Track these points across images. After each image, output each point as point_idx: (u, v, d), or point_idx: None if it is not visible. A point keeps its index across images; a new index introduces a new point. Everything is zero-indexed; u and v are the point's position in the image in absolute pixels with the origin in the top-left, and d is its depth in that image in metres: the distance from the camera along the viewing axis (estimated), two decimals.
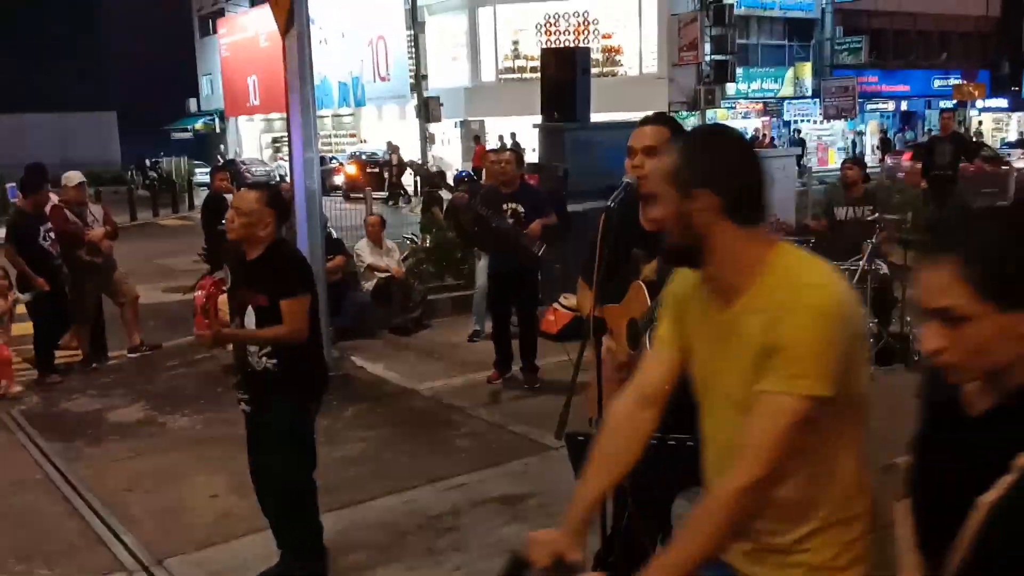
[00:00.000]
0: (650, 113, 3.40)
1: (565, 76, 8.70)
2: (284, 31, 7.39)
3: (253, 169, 29.63)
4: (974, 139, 24.04)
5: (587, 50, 9.02)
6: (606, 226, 3.15)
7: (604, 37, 30.54)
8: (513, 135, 27.66)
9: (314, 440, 4.18)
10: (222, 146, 38.36)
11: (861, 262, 7.37)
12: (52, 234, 7.98)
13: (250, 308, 3.95)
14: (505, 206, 6.89)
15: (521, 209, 6.87)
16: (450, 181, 14.87)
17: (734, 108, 33.97)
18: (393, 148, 27.27)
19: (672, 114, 3.40)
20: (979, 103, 36.36)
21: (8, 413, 6.97)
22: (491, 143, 27.66)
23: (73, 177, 8.30)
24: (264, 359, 3.93)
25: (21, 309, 8.16)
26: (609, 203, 3.17)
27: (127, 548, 4.60)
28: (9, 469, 5.84)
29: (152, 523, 4.91)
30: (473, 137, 30.50)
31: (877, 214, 7.53)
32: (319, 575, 4.18)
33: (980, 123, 39.14)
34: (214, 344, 3.92)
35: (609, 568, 3.76)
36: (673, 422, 3.00)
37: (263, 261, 3.93)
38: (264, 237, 3.92)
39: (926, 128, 36.91)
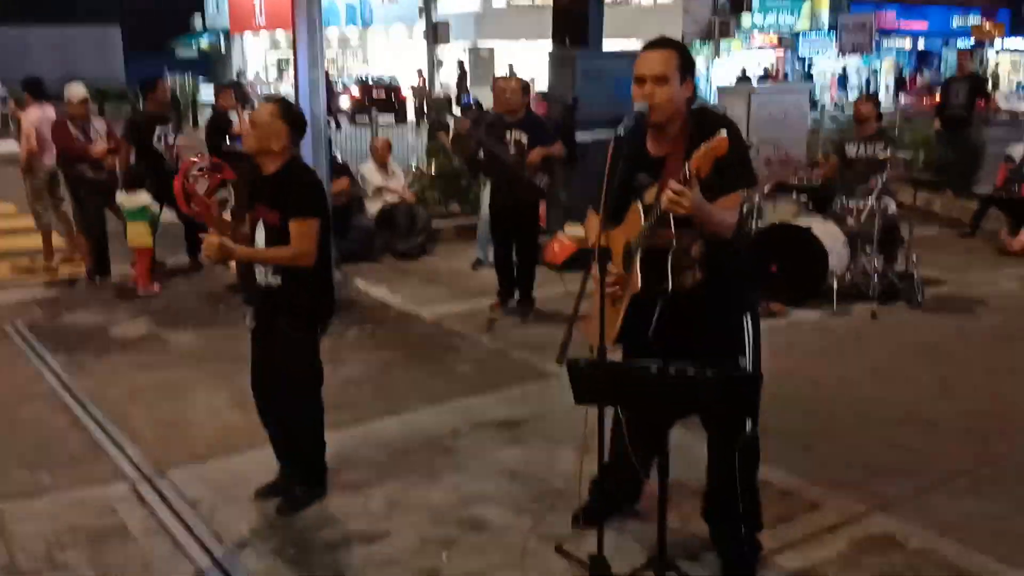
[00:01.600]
0: (656, 37, 3.32)
1: (577, 2, 8.53)
2: None
3: (258, 89, 29.23)
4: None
5: None
6: (615, 154, 3.12)
7: None
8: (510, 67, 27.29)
9: (319, 360, 4.19)
10: (238, 66, 37.84)
11: (870, 199, 7.32)
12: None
13: (260, 225, 3.94)
14: (508, 135, 6.80)
15: (524, 138, 6.77)
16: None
17: (749, 40, 33.39)
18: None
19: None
20: (997, 43, 35.69)
21: (13, 325, 7.00)
22: (500, 71, 27.22)
23: (77, 92, 8.20)
24: (270, 276, 3.93)
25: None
26: (617, 131, 3.14)
27: (129, 459, 4.66)
28: (14, 380, 5.89)
29: (154, 435, 4.97)
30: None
31: (888, 151, 7.44)
32: (319, 496, 4.23)
33: (997, 64, 38.43)
34: (219, 257, 3.88)
35: (604, 495, 3.82)
36: (673, 350, 3.02)
37: (277, 178, 3.91)
38: (279, 152, 3.90)
39: (942, 68, 36.30)
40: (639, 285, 3.16)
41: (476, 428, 5.02)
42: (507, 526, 3.97)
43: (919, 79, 35.93)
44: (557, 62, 8.79)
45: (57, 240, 9.00)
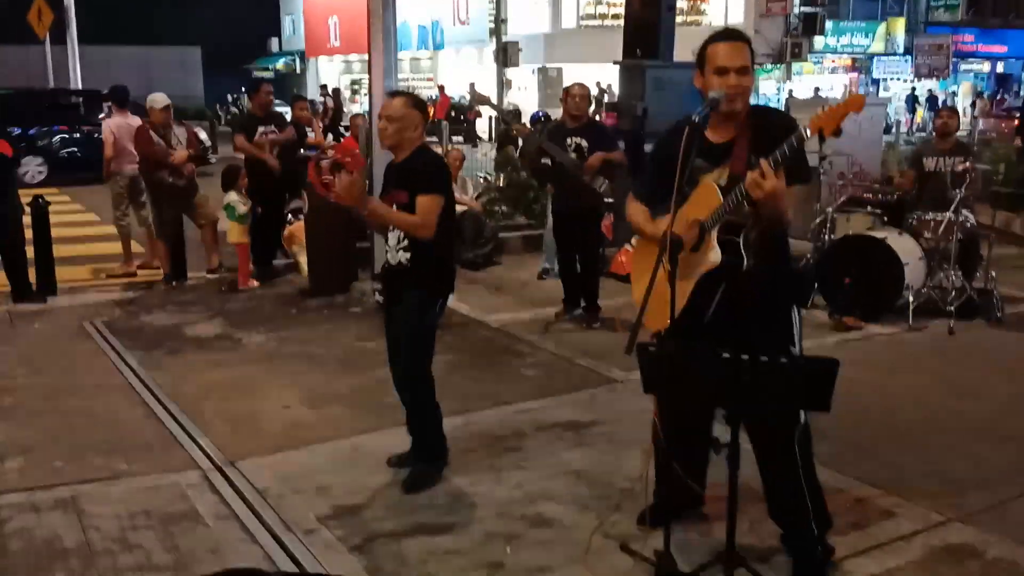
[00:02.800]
0: (727, 28, 3.39)
1: (649, 14, 8.54)
2: None
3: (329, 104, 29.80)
4: None
5: None
6: (689, 141, 3.11)
7: None
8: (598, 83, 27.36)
9: (433, 337, 4.35)
10: (323, 82, 38.72)
11: (948, 214, 7.14)
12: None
13: (393, 208, 4.14)
14: (569, 140, 6.80)
15: (584, 143, 6.77)
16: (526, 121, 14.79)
17: (821, 63, 32.97)
18: (473, 91, 27.05)
19: (756, 67, 3.39)
20: None
21: (92, 323, 7.22)
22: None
23: (159, 99, 8.46)
24: (400, 252, 4.16)
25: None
26: (694, 117, 3.15)
27: (201, 449, 4.76)
28: (91, 374, 6.07)
29: (226, 428, 5.07)
30: (438, 86, 30.36)
31: (968, 163, 7.26)
32: (440, 470, 4.42)
33: None
34: (356, 200, 4.03)
35: (666, 498, 3.75)
36: (726, 337, 3.01)
37: (409, 163, 4.18)
38: (415, 138, 4.18)
39: (1023, 92, 35.35)
40: (719, 258, 3.17)
41: (541, 429, 5.01)
42: (572, 523, 3.95)
43: (997, 103, 35.03)
44: (627, 73, 8.80)
45: (136, 246, 9.27)
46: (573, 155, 6.74)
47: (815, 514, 3.39)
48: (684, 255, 3.20)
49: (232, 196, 8.25)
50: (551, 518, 4.01)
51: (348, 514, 4.07)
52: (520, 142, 9.77)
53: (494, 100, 24.37)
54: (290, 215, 9.22)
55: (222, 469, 4.52)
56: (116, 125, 9.02)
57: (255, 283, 8.39)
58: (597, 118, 7.21)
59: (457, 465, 4.53)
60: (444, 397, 5.46)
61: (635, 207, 3.56)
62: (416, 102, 4.25)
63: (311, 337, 6.85)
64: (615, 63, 9.04)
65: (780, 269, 3.36)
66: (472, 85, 28.79)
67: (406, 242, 4.15)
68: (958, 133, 8.36)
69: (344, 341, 6.70)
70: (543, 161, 6.92)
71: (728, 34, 3.29)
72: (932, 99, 33.05)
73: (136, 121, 8.81)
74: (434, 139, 15.90)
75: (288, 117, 9.74)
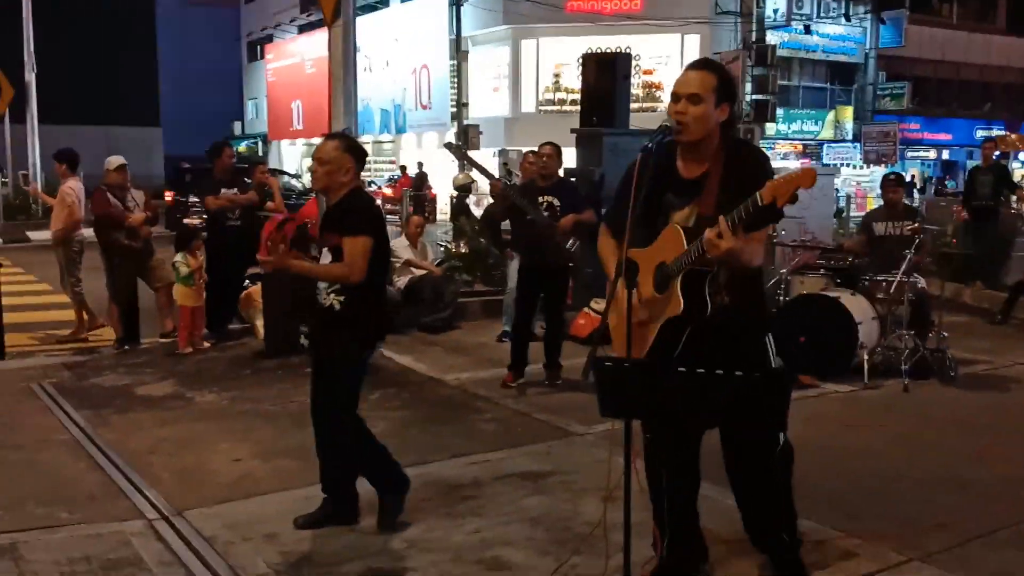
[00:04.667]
0: (698, 58, 3.43)
1: (605, 82, 8.75)
2: (331, 22, 7.53)
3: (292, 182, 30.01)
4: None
5: (628, 56, 9.05)
6: (642, 168, 3.15)
7: (645, 73, 30.63)
8: (420, 164, 28.22)
9: (361, 382, 4.27)
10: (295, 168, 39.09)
11: (899, 275, 7.28)
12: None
13: (326, 252, 4.11)
14: (541, 199, 6.85)
15: (557, 203, 6.82)
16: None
17: (773, 148, 33.84)
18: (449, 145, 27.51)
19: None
20: (1022, 155, 35.95)
21: (39, 384, 7.04)
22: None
23: (114, 161, 8.44)
24: (332, 296, 4.07)
25: None
26: (648, 144, 3.17)
27: (147, 499, 4.61)
28: (36, 430, 5.89)
29: (173, 480, 4.92)
30: (400, 167, 31.01)
31: (916, 225, 7.44)
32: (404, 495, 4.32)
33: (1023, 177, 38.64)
34: (275, 267, 4.09)
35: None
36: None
37: (340, 206, 4.12)
38: (346, 182, 4.12)
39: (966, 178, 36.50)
40: (682, 307, 3.15)
41: (499, 480, 4.92)
42: (529, 567, 3.86)
43: (944, 188, 36.15)
44: (585, 141, 8.97)
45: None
46: (546, 214, 6.76)
47: (786, 521, 3.40)
48: (649, 298, 3.20)
49: (178, 257, 8.15)
50: (509, 561, 3.91)
51: (299, 560, 3.94)
52: (479, 208, 9.82)
53: (457, 175, 24.60)
54: (247, 280, 9.14)
55: (168, 518, 4.37)
56: (74, 187, 8.92)
57: (206, 345, 8.25)
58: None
59: (413, 513, 4.41)
60: (400, 450, 5.35)
61: (604, 241, 3.53)
62: (349, 145, 4.20)
63: (264, 395, 6.73)
64: (572, 131, 9.22)
65: (750, 303, 3.31)
66: (420, 164, 29.34)
67: (338, 285, 4.07)
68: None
69: (298, 399, 6.54)
70: (507, 217, 6.96)
71: (693, 63, 3.33)
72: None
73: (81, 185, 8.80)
74: (396, 218, 16.07)
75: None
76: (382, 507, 4.27)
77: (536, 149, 7.11)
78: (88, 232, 8.76)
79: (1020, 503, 4.65)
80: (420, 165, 29.46)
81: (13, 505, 4.51)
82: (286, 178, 25.70)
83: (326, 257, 4.14)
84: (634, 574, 3.34)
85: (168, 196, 20.12)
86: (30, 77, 22.84)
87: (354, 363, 4.18)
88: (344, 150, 4.13)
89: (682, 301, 3.15)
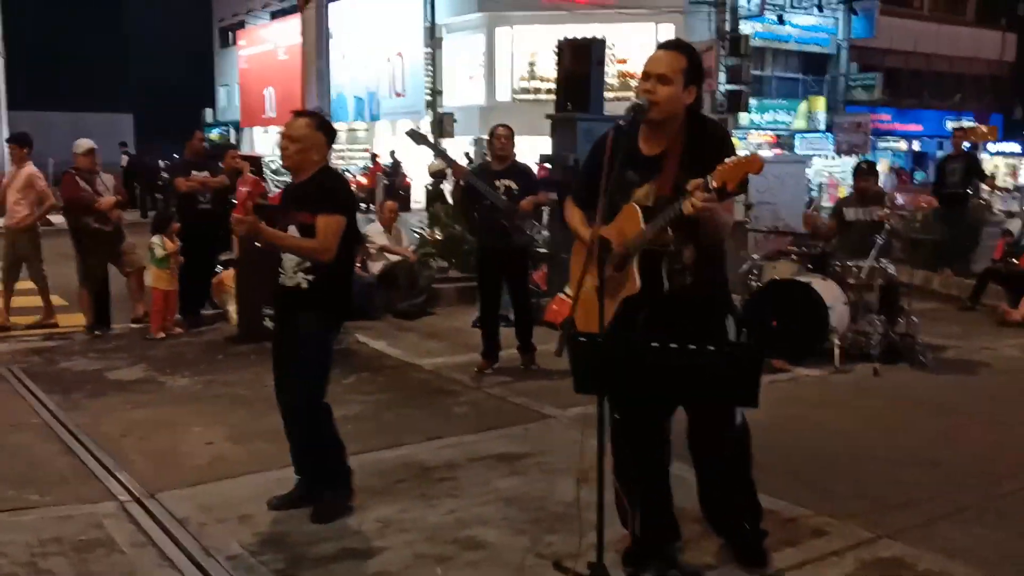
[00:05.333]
0: (671, 39, 3.45)
1: (580, 68, 8.75)
2: (303, 5, 7.46)
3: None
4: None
5: (603, 42, 9.00)
6: (615, 144, 3.16)
7: (619, 62, 30.62)
8: (392, 152, 28.27)
9: (330, 362, 4.22)
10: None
11: (869, 260, 7.35)
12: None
13: (294, 229, 4.03)
14: (497, 182, 6.83)
15: (514, 186, 6.82)
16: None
17: (746, 138, 34.03)
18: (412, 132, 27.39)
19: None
20: (991, 146, 36.38)
21: (8, 369, 6.95)
22: None
23: (83, 144, 8.32)
24: (300, 275, 4.02)
25: None
26: (619, 121, 3.18)
27: (119, 481, 4.57)
28: (5, 414, 5.82)
29: (146, 463, 4.88)
30: (371, 155, 31.01)
31: (885, 210, 7.51)
32: (347, 498, 4.22)
33: (995, 166, 39.08)
34: (248, 232, 3.99)
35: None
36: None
37: (311, 183, 4.07)
38: (317, 161, 4.08)
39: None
40: (638, 286, 3.17)
41: (474, 461, 4.93)
42: (504, 545, 3.87)
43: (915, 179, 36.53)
44: (560, 126, 8.96)
45: (58, 300, 8.99)
46: (504, 197, 6.76)
47: (749, 510, 3.41)
48: (609, 274, 3.21)
49: (155, 239, 8.08)
50: (484, 541, 3.92)
51: (273, 541, 3.93)
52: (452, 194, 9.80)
53: (432, 161, 24.51)
54: (219, 266, 9.08)
55: (140, 500, 4.34)
56: (38, 172, 8.75)
57: (179, 330, 8.19)
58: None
59: (387, 495, 4.42)
60: (375, 433, 5.40)
61: (572, 210, 3.56)
62: (321, 124, 4.16)
63: (238, 380, 6.69)
64: (547, 116, 9.21)
65: (710, 284, 3.34)
66: (392, 153, 29.22)
67: (308, 264, 4.03)
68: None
69: (272, 383, 6.51)
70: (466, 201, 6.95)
71: (664, 43, 3.33)
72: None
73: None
74: (371, 207, 16.00)
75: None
76: (318, 502, 4.16)
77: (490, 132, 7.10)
78: (59, 219, 8.64)
79: (987, 482, 4.72)
80: (392, 153, 29.37)
81: None
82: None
83: (292, 234, 4.06)
84: (608, 552, 3.37)
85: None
86: None
87: (322, 342, 4.13)
88: (316, 128, 4.10)
89: (638, 280, 3.18)
